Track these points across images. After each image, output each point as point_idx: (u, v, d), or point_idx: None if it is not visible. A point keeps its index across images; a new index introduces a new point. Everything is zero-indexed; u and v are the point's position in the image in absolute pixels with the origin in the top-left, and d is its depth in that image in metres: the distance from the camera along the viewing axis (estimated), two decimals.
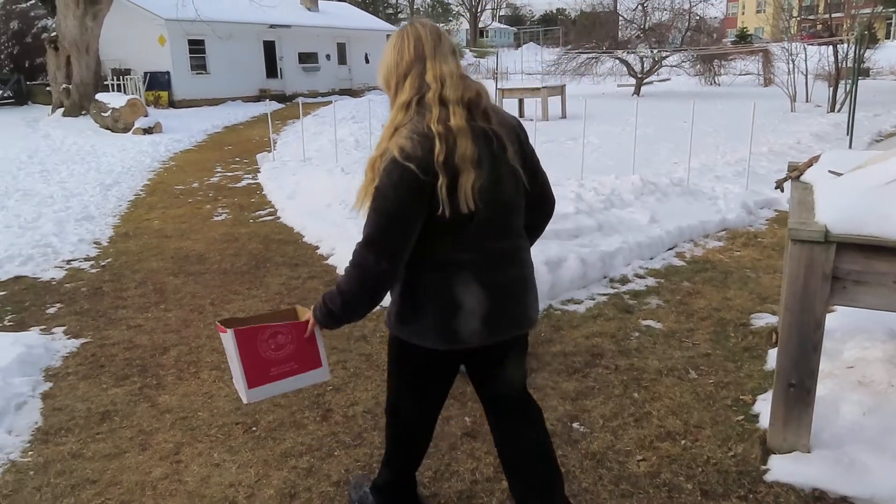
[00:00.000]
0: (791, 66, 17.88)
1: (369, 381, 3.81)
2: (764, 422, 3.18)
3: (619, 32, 28.05)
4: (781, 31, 24.28)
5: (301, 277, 5.67)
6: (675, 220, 6.65)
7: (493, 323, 2.11)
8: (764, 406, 3.28)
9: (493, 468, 2.97)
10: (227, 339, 2.19)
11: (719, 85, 26.82)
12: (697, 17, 27.26)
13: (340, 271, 5.67)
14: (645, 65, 25.41)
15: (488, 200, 2.01)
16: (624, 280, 5.40)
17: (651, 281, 5.40)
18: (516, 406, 2.41)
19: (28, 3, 26.53)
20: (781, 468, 2.87)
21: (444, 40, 2.06)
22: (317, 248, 6.50)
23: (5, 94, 23.65)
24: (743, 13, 64.65)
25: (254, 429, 3.36)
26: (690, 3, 26.36)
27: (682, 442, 3.15)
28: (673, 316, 4.68)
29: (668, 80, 28.16)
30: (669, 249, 6.16)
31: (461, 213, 1.96)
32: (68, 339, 4.56)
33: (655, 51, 25.48)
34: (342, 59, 31.02)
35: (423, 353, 2.15)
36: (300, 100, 14.84)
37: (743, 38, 41.36)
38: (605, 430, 3.26)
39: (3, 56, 24.65)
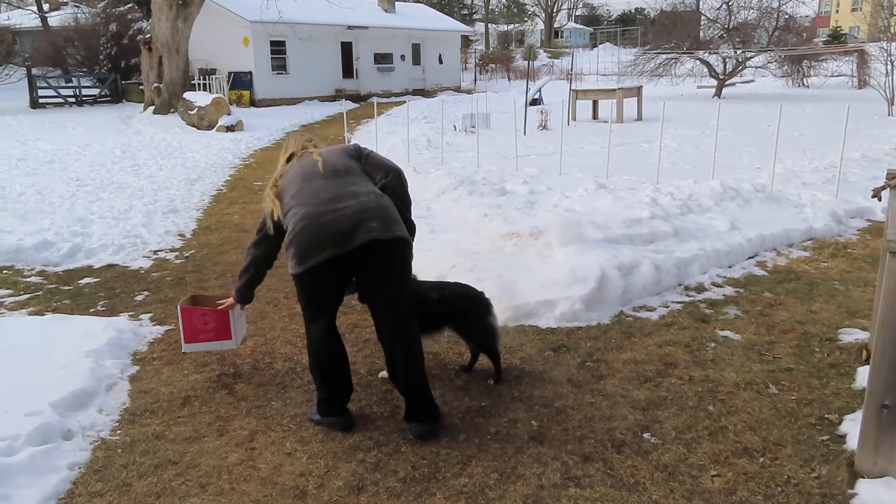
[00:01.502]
0: (889, 67, 16.89)
1: (437, 380, 3.83)
2: (852, 443, 3.02)
3: (701, 32, 27.19)
4: (880, 31, 22.98)
5: None
6: (756, 227, 6.40)
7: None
8: (852, 427, 3.12)
9: (560, 474, 2.94)
10: (180, 311, 3.83)
11: (808, 87, 25.64)
12: (786, 16, 26.12)
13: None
14: (728, 66, 24.54)
15: None
16: (700, 288, 5.24)
17: (729, 290, 5.22)
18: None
19: (126, 7, 27.98)
20: (871, 494, 2.71)
21: None
22: None
23: (103, 93, 25.02)
24: (837, 11, 61.52)
25: None
26: (779, 1, 25.30)
27: (761, 459, 3.03)
28: (752, 327, 4.51)
29: (752, 81, 27.12)
30: (750, 258, 5.94)
31: None
32: (154, 325, 4.79)
33: (739, 51, 24.58)
34: (416, 60, 31.32)
35: None
36: (374, 99, 15.10)
37: (836, 37, 39.37)
38: (678, 443, 3.17)
39: (102, 56, 26.05)
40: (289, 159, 3.59)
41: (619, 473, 2.95)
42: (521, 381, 3.81)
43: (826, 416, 3.36)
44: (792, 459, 3.01)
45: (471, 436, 3.27)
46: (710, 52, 24.93)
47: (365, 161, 3.55)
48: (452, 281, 4.22)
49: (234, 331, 3.78)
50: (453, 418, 3.43)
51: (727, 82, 24.46)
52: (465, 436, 3.27)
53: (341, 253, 3.10)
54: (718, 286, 5.29)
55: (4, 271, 6.00)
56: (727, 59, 24.51)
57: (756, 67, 25.56)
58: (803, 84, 25.91)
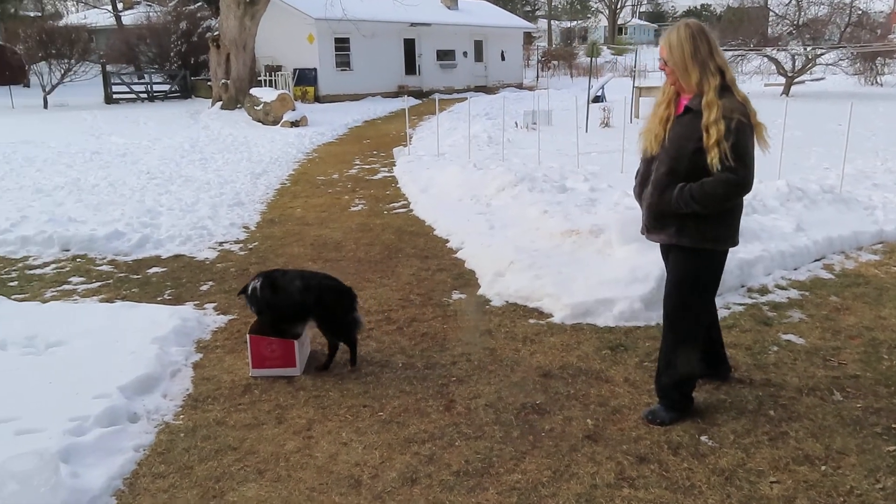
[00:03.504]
0: None
1: (492, 375, 3.85)
2: None
3: (769, 28, 26.28)
4: None
5: (430, 269, 5.81)
6: (823, 229, 6.17)
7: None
8: None
9: (615, 474, 2.92)
10: (248, 339, 3.98)
11: (882, 85, 24.47)
12: (859, 12, 25.00)
13: (469, 265, 5.78)
14: (797, 63, 23.64)
15: None
16: (763, 290, 5.09)
17: (794, 293, 5.05)
18: None
19: (196, 5, 28.93)
20: None
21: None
22: (447, 241, 6.64)
23: (173, 89, 25.96)
24: None
25: (380, 413, 3.50)
26: None
27: (822, 468, 2.93)
28: (817, 332, 4.36)
29: (822, 79, 26.03)
30: (816, 261, 5.73)
31: None
32: (218, 314, 4.96)
33: (809, 48, 23.65)
34: (479, 57, 31.30)
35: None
36: (436, 96, 15.14)
37: None
38: (736, 447, 3.10)
39: (172, 53, 27.03)
40: None
41: (675, 476, 2.91)
42: (577, 379, 3.79)
43: (893, 425, 3.23)
44: (856, 469, 2.91)
45: (525, 432, 3.27)
46: (778, 49, 24.07)
47: None
48: (319, 272, 4.37)
49: (298, 359, 3.93)
50: (508, 414, 3.44)
51: (796, 80, 23.56)
52: (518, 432, 3.27)
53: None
54: (782, 288, 5.13)
55: (78, 259, 6.32)
56: (796, 57, 23.61)
57: (827, 65, 24.54)
58: (876, 82, 24.75)
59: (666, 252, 3.45)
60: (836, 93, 22.32)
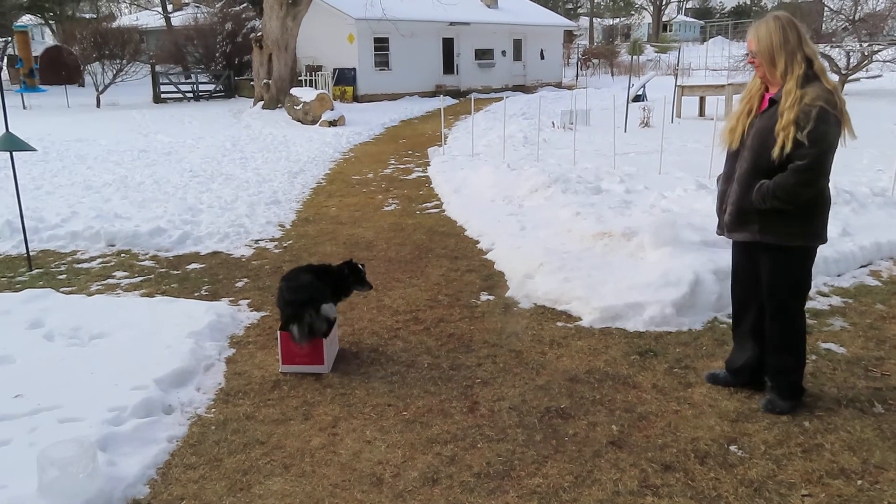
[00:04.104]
0: None
1: (517, 378, 3.83)
2: None
3: (823, 24, 25.49)
4: None
5: (459, 270, 5.81)
6: (871, 234, 5.96)
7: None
8: None
9: (638, 481, 2.87)
10: (279, 336, 4.01)
11: None
12: None
13: (499, 266, 5.75)
14: (851, 60, 22.87)
15: None
16: None
17: (836, 300, 4.89)
18: None
19: (241, 6, 29.47)
20: None
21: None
22: (477, 242, 6.63)
23: (217, 88, 26.51)
24: None
25: (404, 413, 3.51)
26: None
27: (859, 482, 2.83)
28: (860, 341, 4.21)
29: (879, 76, 25.14)
30: (862, 267, 5.55)
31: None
32: (251, 311, 5.04)
33: (866, 44, 22.87)
34: (517, 56, 31.15)
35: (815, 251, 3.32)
36: (473, 95, 15.13)
37: None
38: (767, 458, 3.02)
39: (217, 54, 27.59)
40: None
41: (701, 486, 2.84)
42: (603, 384, 3.74)
43: None
44: (894, 485, 2.80)
45: (548, 436, 3.24)
46: (832, 46, 23.33)
47: None
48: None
49: (326, 357, 3.99)
50: (532, 417, 3.41)
51: (851, 77, 22.81)
52: (541, 436, 3.25)
53: None
54: (824, 295, 4.98)
55: (122, 255, 6.49)
56: (851, 53, 22.85)
57: (884, 62, 23.63)
58: None
59: (744, 251, 3.44)
60: (894, 91, 21.56)
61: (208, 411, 3.59)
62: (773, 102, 3.15)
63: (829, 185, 3.25)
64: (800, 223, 3.17)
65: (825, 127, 2.99)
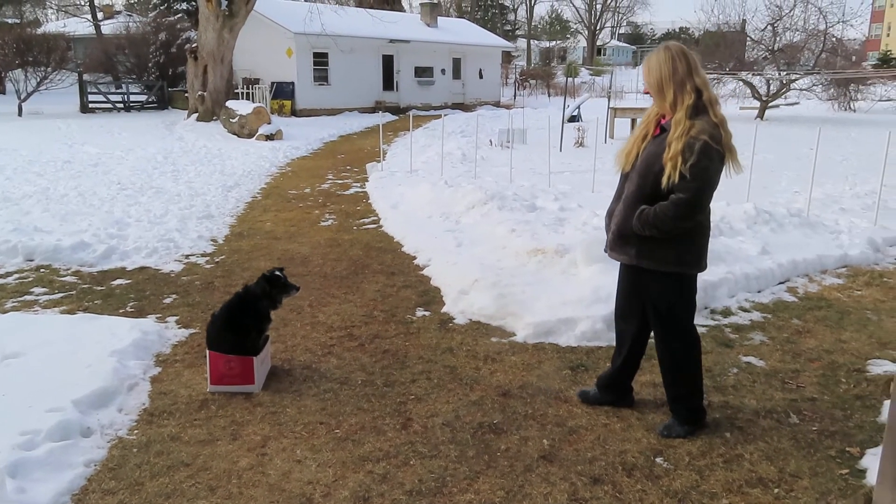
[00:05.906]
0: None
1: (451, 394, 3.83)
2: (871, 479, 2.93)
3: (746, 53, 26.83)
4: None
5: (396, 286, 5.79)
6: (789, 252, 6.26)
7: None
8: (873, 461, 3.02)
9: (568, 495, 2.91)
10: (208, 355, 3.94)
11: (854, 111, 25.05)
12: (834, 39, 25.63)
13: (435, 282, 5.76)
14: (771, 87, 24.13)
15: None
16: (726, 312, 5.14)
17: (756, 315, 5.11)
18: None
19: (176, 17, 28.82)
20: None
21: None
22: (414, 257, 6.63)
23: (150, 99, 25.77)
24: (888, 34, 60.04)
25: (336, 431, 3.45)
26: (826, 23, 24.85)
27: (776, 490, 2.95)
28: (777, 354, 4.40)
29: (796, 104, 26.63)
30: (780, 283, 5.81)
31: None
32: (179, 328, 4.88)
33: (784, 73, 24.16)
34: (457, 74, 31.51)
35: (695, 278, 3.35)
36: (412, 112, 15.21)
37: (886, 61, 38.50)
38: (691, 469, 3.11)
39: (150, 64, 26.86)
40: None
41: (628, 497, 2.90)
42: (535, 398, 3.78)
43: (847, 448, 3.26)
44: (808, 492, 2.93)
45: (480, 451, 3.25)
46: (753, 74, 24.56)
47: None
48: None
49: (257, 376, 3.90)
50: (465, 433, 3.42)
51: (770, 104, 24.04)
52: (474, 451, 3.25)
53: None
54: (746, 311, 5.19)
55: (42, 270, 6.20)
56: (771, 81, 24.11)
57: (801, 90, 25.10)
58: (850, 108, 25.33)
59: (626, 272, 3.46)
60: (810, 117, 22.79)
61: (130, 433, 3.45)
62: (663, 129, 3.16)
63: (709, 214, 3.29)
64: (676, 251, 3.18)
65: (706, 162, 2.99)
